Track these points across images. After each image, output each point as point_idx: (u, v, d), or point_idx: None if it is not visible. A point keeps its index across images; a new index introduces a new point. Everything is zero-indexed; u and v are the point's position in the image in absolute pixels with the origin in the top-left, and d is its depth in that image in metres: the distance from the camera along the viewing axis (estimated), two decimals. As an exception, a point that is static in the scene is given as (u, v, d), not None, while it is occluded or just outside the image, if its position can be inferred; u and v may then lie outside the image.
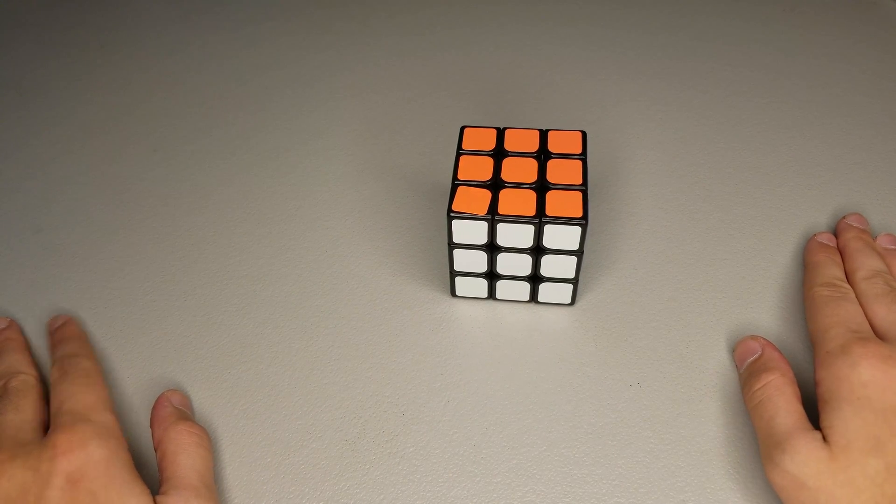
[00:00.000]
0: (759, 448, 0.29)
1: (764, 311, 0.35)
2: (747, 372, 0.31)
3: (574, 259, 0.32)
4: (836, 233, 0.38)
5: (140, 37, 0.55)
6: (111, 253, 0.40)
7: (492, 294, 0.36)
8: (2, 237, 0.41)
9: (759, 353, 0.32)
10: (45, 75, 0.52)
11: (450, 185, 0.32)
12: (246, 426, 0.32)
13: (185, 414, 0.32)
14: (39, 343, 0.36)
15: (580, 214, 0.31)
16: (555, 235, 0.31)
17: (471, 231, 0.32)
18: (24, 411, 0.30)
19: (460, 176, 0.33)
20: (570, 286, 0.34)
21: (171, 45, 0.54)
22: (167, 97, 0.50)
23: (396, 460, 0.31)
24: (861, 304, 0.32)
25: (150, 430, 0.31)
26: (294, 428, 0.32)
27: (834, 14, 0.54)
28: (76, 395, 0.30)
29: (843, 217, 0.38)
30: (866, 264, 0.34)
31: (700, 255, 0.38)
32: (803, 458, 0.27)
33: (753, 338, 0.33)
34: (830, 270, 0.34)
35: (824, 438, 0.27)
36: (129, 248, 0.40)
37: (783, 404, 0.29)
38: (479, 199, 0.32)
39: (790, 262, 0.37)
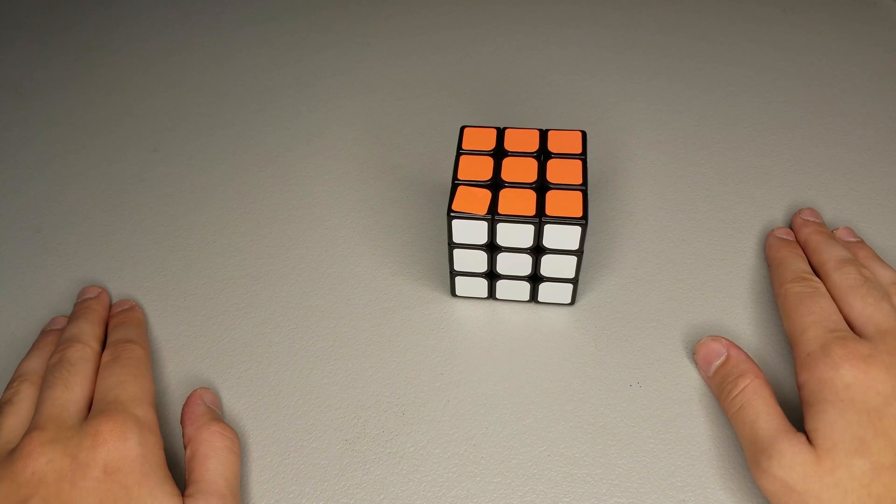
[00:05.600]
0: (744, 454, 0.29)
1: (763, 310, 0.35)
2: (719, 377, 0.31)
3: (574, 259, 0.32)
4: (793, 230, 0.38)
5: (140, 37, 0.55)
6: (111, 253, 0.40)
7: (492, 294, 0.36)
8: (2, 237, 0.41)
9: (725, 355, 0.32)
10: (45, 75, 0.52)
11: (450, 185, 0.32)
12: (246, 426, 0.32)
13: (217, 414, 0.32)
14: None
15: (580, 214, 0.31)
16: (555, 235, 0.31)
17: (471, 231, 0.32)
18: (73, 389, 0.30)
19: (460, 176, 0.33)
20: (570, 286, 0.34)
21: (171, 45, 0.54)
22: (167, 97, 0.50)
23: (396, 460, 0.31)
24: (834, 297, 0.32)
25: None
26: (294, 428, 0.32)
27: (834, 14, 0.54)
28: (123, 384, 0.30)
29: (798, 213, 0.38)
30: (834, 255, 0.34)
31: (700, 255, 0.38)
32: (789, 462, 0.26)
33: (714, 339, 0.33)
34: (797, 265, 0.34)
35: (809, 441, 0.27)
36: (129, 248, 0.40)
37: (763, 408, 0.29)
38: (479, 199, 0.32)
39: (790, 262, 0.37)
